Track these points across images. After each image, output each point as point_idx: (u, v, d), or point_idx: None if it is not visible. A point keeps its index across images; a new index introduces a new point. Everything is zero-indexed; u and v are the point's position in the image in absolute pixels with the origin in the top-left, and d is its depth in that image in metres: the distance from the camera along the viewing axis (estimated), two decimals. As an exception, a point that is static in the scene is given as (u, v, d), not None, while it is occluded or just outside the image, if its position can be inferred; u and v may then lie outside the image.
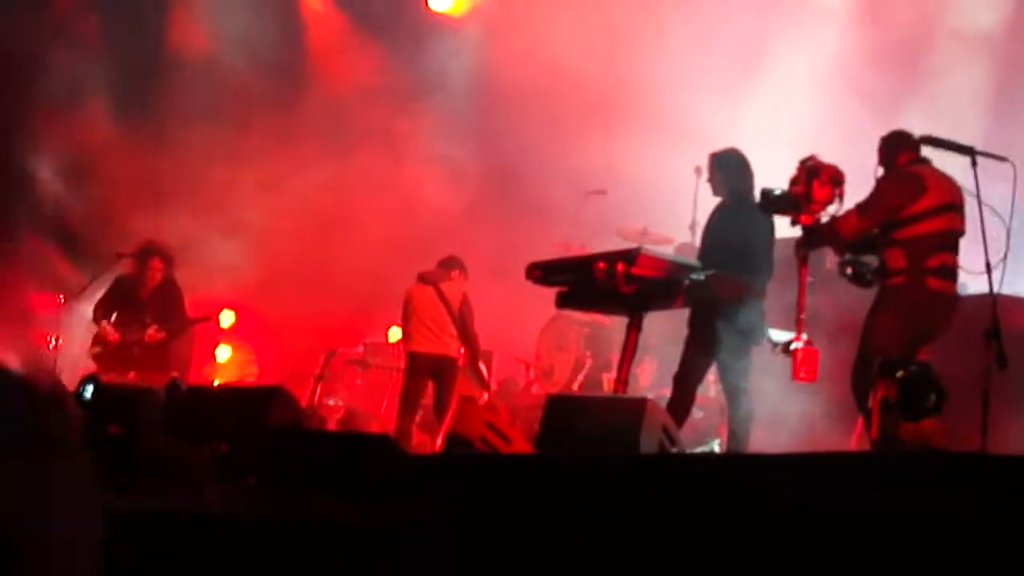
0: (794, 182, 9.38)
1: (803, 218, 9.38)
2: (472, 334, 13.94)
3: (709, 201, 11.16)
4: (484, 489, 6.76)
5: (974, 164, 9.10)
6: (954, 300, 9.32)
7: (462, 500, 6.76)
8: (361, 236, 16.88)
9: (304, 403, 13.29)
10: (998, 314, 8.69)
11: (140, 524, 7.52)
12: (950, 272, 9.25)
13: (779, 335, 9.43)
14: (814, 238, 9.53)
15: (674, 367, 10.62)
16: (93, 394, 9.94)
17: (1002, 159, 9.12)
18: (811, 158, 9.39)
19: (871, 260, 9.62)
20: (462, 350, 13.94)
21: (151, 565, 7.39)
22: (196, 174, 17.05)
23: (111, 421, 9.68)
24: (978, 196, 8.95)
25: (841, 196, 9.32)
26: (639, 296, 9.61)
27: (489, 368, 15.65)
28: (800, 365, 9.18)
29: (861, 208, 9.34)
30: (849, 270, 9.64)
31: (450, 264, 14.06)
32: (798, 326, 9.34)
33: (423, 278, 13.93)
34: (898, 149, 9.53)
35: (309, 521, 6.88)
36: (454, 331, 13.79)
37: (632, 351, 9.91)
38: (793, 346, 9.27)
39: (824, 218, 9.40)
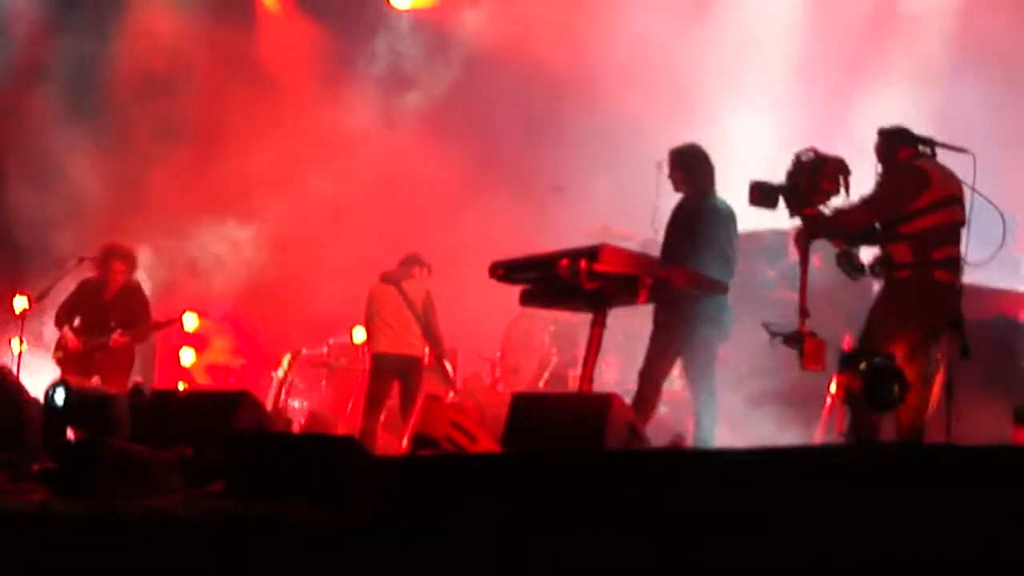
0: (795, 174, 9.36)
1: (807, 209, 9.37)
2: (437, 333, 13.93)
3: (671, 197, 11.17)
4: (450, 489, 6.76)
5: (933, 155, 9.14)
6: (960, 291, 9.28)
7: (427, 501, 6.76)
8: (330, 236, 16.92)
9: (269, 406, 13.28)
10: (962, 305, 8.73)
11: (106, 529, 7.50)
12: (955, 264, 9.24)
13: (777, 326, 9.38)
14: (818, 229, 9.52)
15: (639, 363, 10.64)
16: (64, 399, 9.93)
17: (961, 150, 9.16)
18: (811, 150, 9.38)
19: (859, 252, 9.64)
20: (427, 349, 13.92)
21: (117, 569, 7.37)
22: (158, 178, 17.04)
23: (80, 426, 9.68)
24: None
25: (847, 187, 9.32)
26: (603, 293, 9.60)
27: (455, 366, 15.66)
28: (809, 355, 9.15)
29: (866, 203, 9.34)
30: (846, 261, 9.64)
31: (412, 262, 14.05)
32: (801, 316, 9.30)
33: (385, 278, 13.91)
34: (897, 144, 9.52)
35: (275, 525, 6.87)
36: (418, 331, 13.78)
37: (597, 348, 9.90)
38: (799, 335, 9.21)
39: (826, 210, 9.41)
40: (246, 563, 6.94)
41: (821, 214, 9.40)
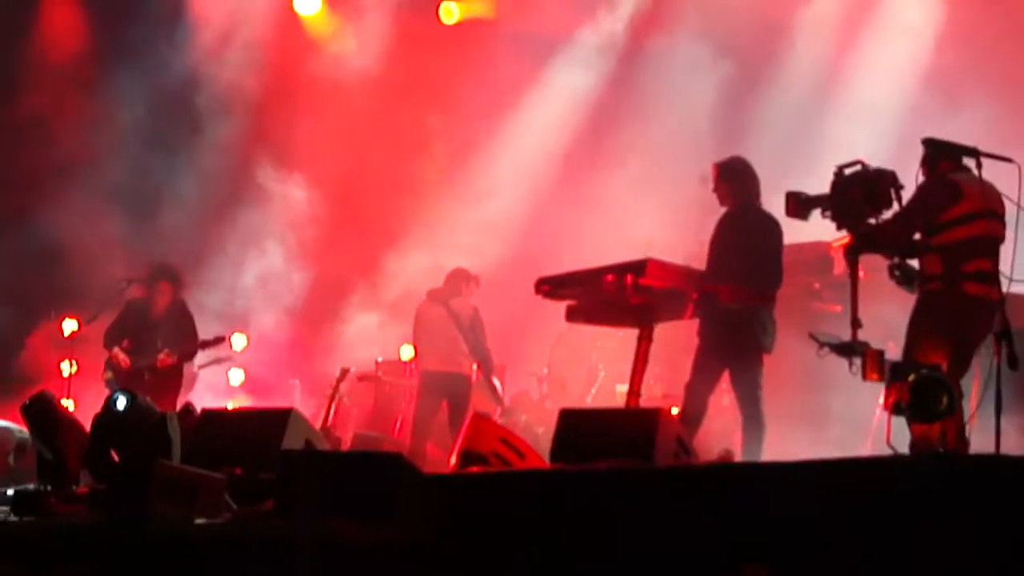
0: (846, 187, 9.31)
1: (860, 223, 9.35)
2: (484, 350, 13.94)
3: (715, 209, 11.16)
4: (499, 505, 6.77)
5: (979, 165, 9.10)
6: (995, 305, 9.19)
7: (476, 518, 6.77)
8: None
9: (318, 424, 13.30)
10: (1007, 315, 8.68)
11: (156, 550, 7.54)
12: (989, 277, 9.16)
13: (825, 336, 9.35)
14: (867, 244, 9.50)
15: (686, 377, 10.63)
16: (126, 405, 9.99)
17: (1008, 160, 9.10)
18: (857, 163, 9.36)
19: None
20: (475, 367, 13.94)
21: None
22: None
23: (134, 440, 9.73)
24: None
25: (900, 200, 9.29)
26: (649, 307, 9.62)
27: (502, 382, 15.66)
28: (869, 367, 9.12)
29: (899, 216, 9.33)
30: (898, 273, 9.61)
31: (459, 278, 14.07)
32: (853, 327, 9.27)
33: (433, 296, 13.94)
34: (939, 157, 9.49)
35: (325, 544, 6.89)
36: (465, 348, 13.79)
37: (644, 362, 9.91)
38: (855, 346, 9.18)
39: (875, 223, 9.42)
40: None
41: (873, 227, 9.38)
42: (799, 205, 9.60)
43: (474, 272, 14.25)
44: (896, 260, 9.61)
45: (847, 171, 9.37)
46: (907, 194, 9.32)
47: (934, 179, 9.37)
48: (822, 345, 9.32)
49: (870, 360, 9.11)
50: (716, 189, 10.89)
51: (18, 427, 11.18)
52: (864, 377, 9.17)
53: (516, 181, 17.37)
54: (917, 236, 9.41)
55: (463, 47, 17.44)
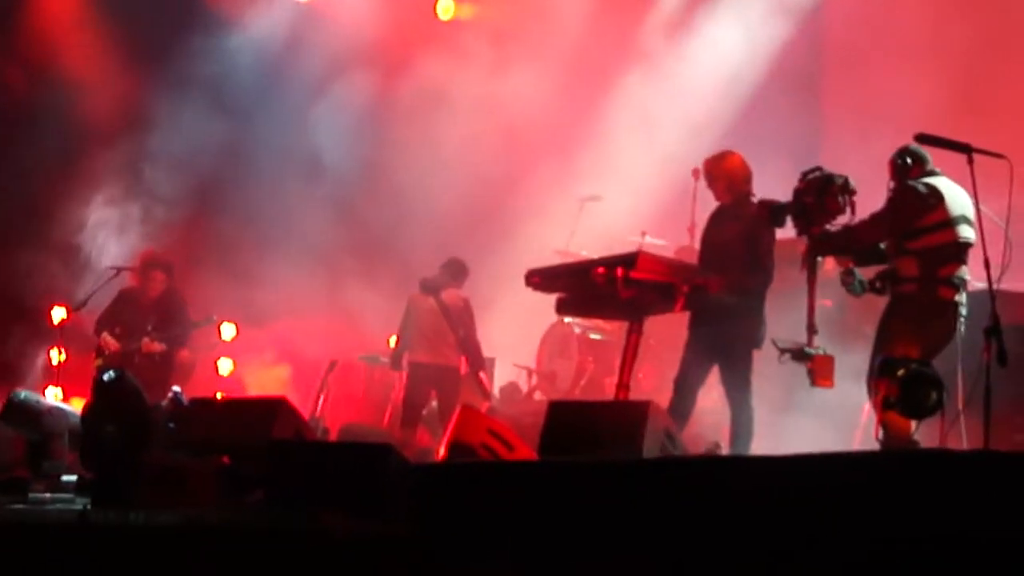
0: (803, 193, 9.44)
1: (813, 228, 9.44)
2: (473, 344, 13.91)
3: (708, 204, 11.16)
4: (488, 496, 6.77)
5: (970, 161, 9.10)
6: (961, 309, 9.34)
7: (464, 509, 6.77)
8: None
9: (307, 415, 13.28)
10: (997, 311, 8.69)
11: (143, 538, 7.54)
12: (960, 282, 9.30)
13: (784, 342, 9.43)
14: (825, 247, 9.60)
15: (675, 371, 10.63)
16: (113, 378, 10.02)
17: (999, 156, 9.11)
18: (817, 169, 9.45)
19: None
20: (463, 359, 13.93)
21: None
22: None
23: (117, 422, 9.73)
24: (975, 193, 8.98)
25: (852, 207, 9.39)
26: (639, 300, 9.60)
27: (491, 374, 15.63)
28: (818, 373, 9.21)
29: (876, 220, 9.42)
30: (849, 279, 9.68)
31: (453, 268, 14.03)
32: (809, 333, 9.36)
33: (424, 286, 13.88)
34: (914, 162, 9.55)
35: (313, 533, 6.89)
36: (454, 340, 13.77)
37: (633, 355, 9.90)
38: (807, 352, 9.28)
39: (832, 228, 9.48)
40: (283, 572, 6.96)
41: (828, 232, 9.49)
42: (772, 213, 9.76)
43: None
44: (850, 267, 9.70)
45: (809, 176, 9.48)
46: (859, 199, 9.41)
47: (910, 185, 9.43)
48: (781, 352, 9.40)
49: (819, 366, 9.21)
50: (709, 184, 10.89)
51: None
52: (813, 383, 9.27)
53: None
54: (883, 244, 9.52)
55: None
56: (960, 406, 8.91)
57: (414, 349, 13.94)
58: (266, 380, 15.90)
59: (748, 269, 10.25)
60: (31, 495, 9.45)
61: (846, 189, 9.39)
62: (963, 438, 8.89)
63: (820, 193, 9.37)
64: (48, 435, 10.99)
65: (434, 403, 14.07)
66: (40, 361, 15.53)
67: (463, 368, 14.01)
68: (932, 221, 9.30)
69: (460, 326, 13.76)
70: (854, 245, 9.60)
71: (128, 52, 16.82)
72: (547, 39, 17.13)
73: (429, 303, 13.78)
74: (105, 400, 10.32)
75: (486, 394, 14.18)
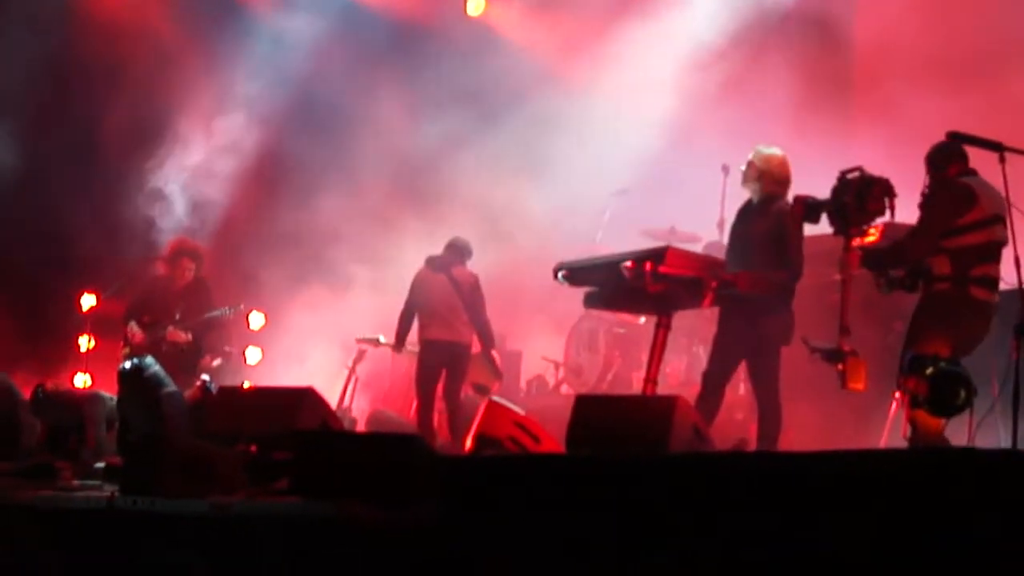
0: (841, 192, 9.38)
1: (860, 239, 9.43)
2: (484, 321, 13.77)
3: (737, 198, 11.14)
4: (514, 489, 6.77)
5: (1002, 160, 9.06)
6: (994, 310, 9.33)
7: (491, 501, 6.77)
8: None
9: (334, 404, 13.30)
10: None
11: (170, 526, 7.56)
12: (992, 282, 9.28)
13: (816, 342, 9.42)
14: (874, 263, 9.60)
15: (703, 366, 10.61)
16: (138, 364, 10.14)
17: (1030, 154, 9.09)
18: (857, 169, 9.40)
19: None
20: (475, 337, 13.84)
21: (181, 566, 7.43)
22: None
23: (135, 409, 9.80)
24: (1006, 191, 8.96)
25: (892, 209, 9.35)
26: (667, 295, 9.59)
27: (518, 368, 15.62)
28: (850, 375, 9.19)
29: (920, 231, 9.42)
30: (882, 279, 9.67)
31: (457, 246, 13.97)
32: (841, 333, 9.32)
33: (433, 264, 13.80)
34: (949, 160, 9.54)
35: (339, 523, 6.90)
36: (466, 317, 13.70)
37: (661, 350, 9.89)
38: (840, 353, 9.24)
39: (872, 229, 9.48)
40: (309, 561, 6.98)
41: (879, 249, 9.52)
42: (807, 209, 9.69)
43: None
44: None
45: (848, 176, 9.44)
46: (900, 202, 9.37)
47: (947, 186, 9.41)
48: (813, 351, 9.39)
49: (851, 369, 9.19)
50: (744, 181, 10.84)
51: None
52: (843, 386, 9.25)
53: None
54: None
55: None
56: (993, 405, 8.89)
57: (426, 327, 13.79)
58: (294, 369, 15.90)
59: (776, 265, 10.22)
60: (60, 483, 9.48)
61: (886, 191, 9.35)
62: (999, 437, 8.88)
63: (860, 193, 9.32)
64: (77, 424, 11.04)
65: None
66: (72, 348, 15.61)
67: (475, 346, 13.92)
68: (969, 220, 9.27)
69: (471, 303, 13.67)
70: (911, 259, 9.55)
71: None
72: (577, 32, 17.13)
73: (440, 279, 13.67)
74: (124, 389, 10.42)
75: (498, 373, 14.05)
